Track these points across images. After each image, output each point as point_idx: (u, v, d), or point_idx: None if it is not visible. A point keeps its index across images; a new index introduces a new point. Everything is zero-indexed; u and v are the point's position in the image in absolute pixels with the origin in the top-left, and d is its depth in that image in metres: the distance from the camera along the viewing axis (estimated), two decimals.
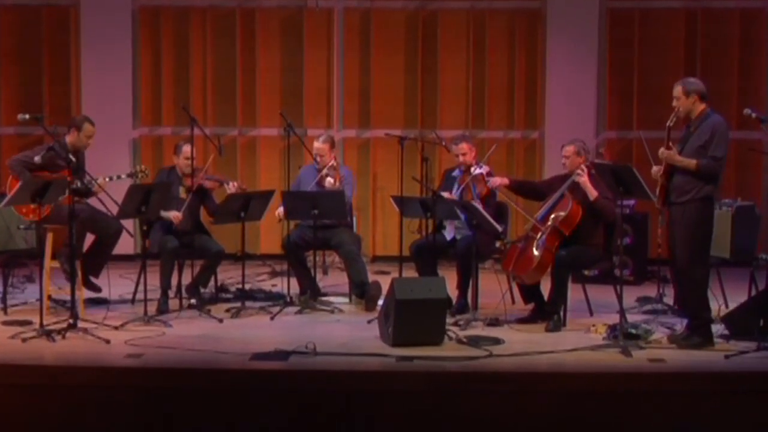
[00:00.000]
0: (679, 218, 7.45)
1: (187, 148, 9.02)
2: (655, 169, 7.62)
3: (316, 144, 9.39)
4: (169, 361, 7.15)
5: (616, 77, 11.64)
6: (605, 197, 8.22)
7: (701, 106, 7.51)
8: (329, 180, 9.19)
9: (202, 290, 9.06)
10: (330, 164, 9.29)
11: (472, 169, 8.86)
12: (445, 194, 8.75)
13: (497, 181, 8.68)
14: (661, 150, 7.46)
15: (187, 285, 8.96)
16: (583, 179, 8.24)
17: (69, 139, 8.79)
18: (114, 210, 8.29)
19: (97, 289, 8.99)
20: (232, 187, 9.04)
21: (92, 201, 8.67)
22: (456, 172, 9.10)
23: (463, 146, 8.98)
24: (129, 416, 6.78)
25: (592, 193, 8.19)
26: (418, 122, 11.70)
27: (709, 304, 7.66)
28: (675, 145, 7.49)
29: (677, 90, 7.52)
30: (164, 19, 11.74)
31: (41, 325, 7.70)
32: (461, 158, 8.98)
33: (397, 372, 6.99)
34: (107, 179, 8.75)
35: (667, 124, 7.48)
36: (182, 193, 9.03)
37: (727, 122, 7.62)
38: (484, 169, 8.84)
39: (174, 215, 8.86)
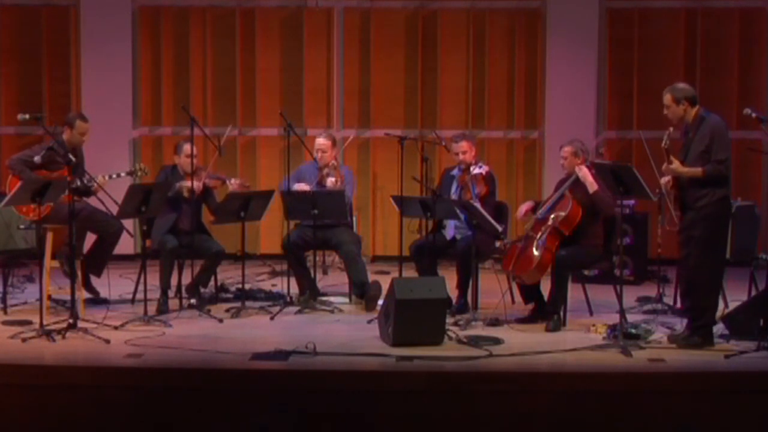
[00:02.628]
0: (696, 219, 7.43)
1: (187, 147, 9.01)
2: (663, 180, 7.64)
3: (319, 140, 9.38)
4: (169, 361, 7.15)
5: (616, 77, 11.64)
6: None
7: (693, 111, 7.49)
8: (331, 179, 9.19)
9: (202, 290, 9.05)
10: (330, 163, 9.30)
11: (472, 168, 8.86)
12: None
13: (523, 209, 8.56)
14: (665, 166, 7.45)
15: (187, 285, 8.95)
16: (584, 171, 8.24)
17: (65, 137, 8.80)
18: (114, 210, 8.30)
19: (96, 293, 9.00)
20: (234, 184, 9.04)
21: (92, 200, 8.67)
22: (455, 171, 9.10)
23: (464, 144, 8.97)
24: (129, 416, 6.78)
25: (593, 186, 8.19)
26: (418, 122, 11.69)
27: (717, 305, 7.68)
28: (677, 154, 7.48)
29: (667, 98, 7.50)
30: (164, 19, 11.73)
31: (41, 325, 7.70)
32: (461, 156, 8.97)
33: (397, 372, 6.99)
34: (107, 177, 8.76)
35: (662, 146, 7.42)
36: (185, 192, 8.99)
37: (725, 121, 7.62)
38: (484, 169, 8.84)
39: (194, 185, 8.80)
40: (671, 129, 7.50)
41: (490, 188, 8.85)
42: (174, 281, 8.96)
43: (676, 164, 7.39)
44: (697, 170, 7.36)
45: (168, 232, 8.90)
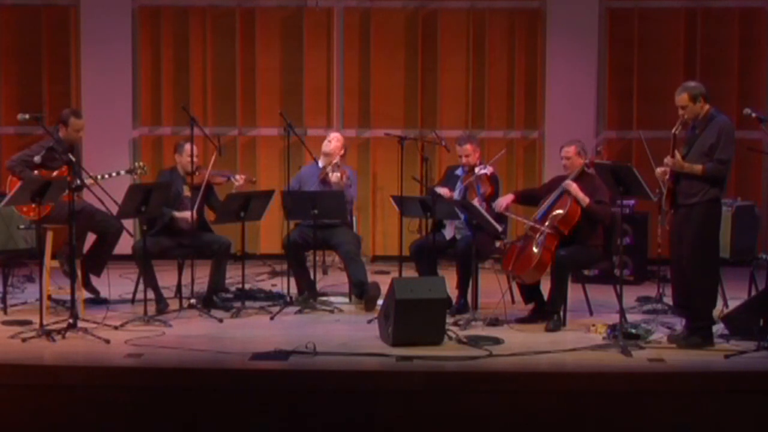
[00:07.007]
0: (686, 220, 7.44)
1: (188, 147, 8.96)
2: (659, 170, 7.61)
3: (330, 146, 9.30)
4: (169, 361, 7.15)
5: (616, 77, 11.64)
6: (600, 201, 8.23)
7: (706, 107, 7.49)
8: (336, 174, 9.14)
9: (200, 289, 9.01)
10: (334, 162, 9.28)
11: (477, 169, 8.85)
12: (442, 190, 8.75)
13: (503, 202, 8.52)
14: (667, 159, 7.44)
15: (205, 297, 8.82)
16: (573, 187, 8.25)
17: (60, 134, 8.80)
18: (114, 209, 8.29)
19: (96, 292, 9.00)
20: (240, 180, 9.01)
21: (93, 200, 8.67)
22: (459, 171, 9.10)
23: (468, 147, 8.96)
24: (129, 416, 6.78)
25: (584, 200, 8.20)
26: (418, 122, 11.69)
27: (715, 304, 7.68)
28: (681, 147, 7.47)
29: (682, 98, 7.44)
30: (164, 19, 11.73)
31: (41, 325, 7.70)
32: (465, 159, 8.96)
33: (397, 372, 6.99)
34: (106, 176, 8.75)
35: (673, 131, 7.42)
36: (186, 191, 8.96)
37: (732, 122, 7.61)
38: (488, 170, 8.84)
39: (188, 214, 8.78)
40: (685, 116, 7.47)
41: (495, 188, 8.84)
42: (174, 281, 8.96)
43: (678, 158, 7.36)
44: (697, 168, 7.35)
45: (164, 235, 8.86)
